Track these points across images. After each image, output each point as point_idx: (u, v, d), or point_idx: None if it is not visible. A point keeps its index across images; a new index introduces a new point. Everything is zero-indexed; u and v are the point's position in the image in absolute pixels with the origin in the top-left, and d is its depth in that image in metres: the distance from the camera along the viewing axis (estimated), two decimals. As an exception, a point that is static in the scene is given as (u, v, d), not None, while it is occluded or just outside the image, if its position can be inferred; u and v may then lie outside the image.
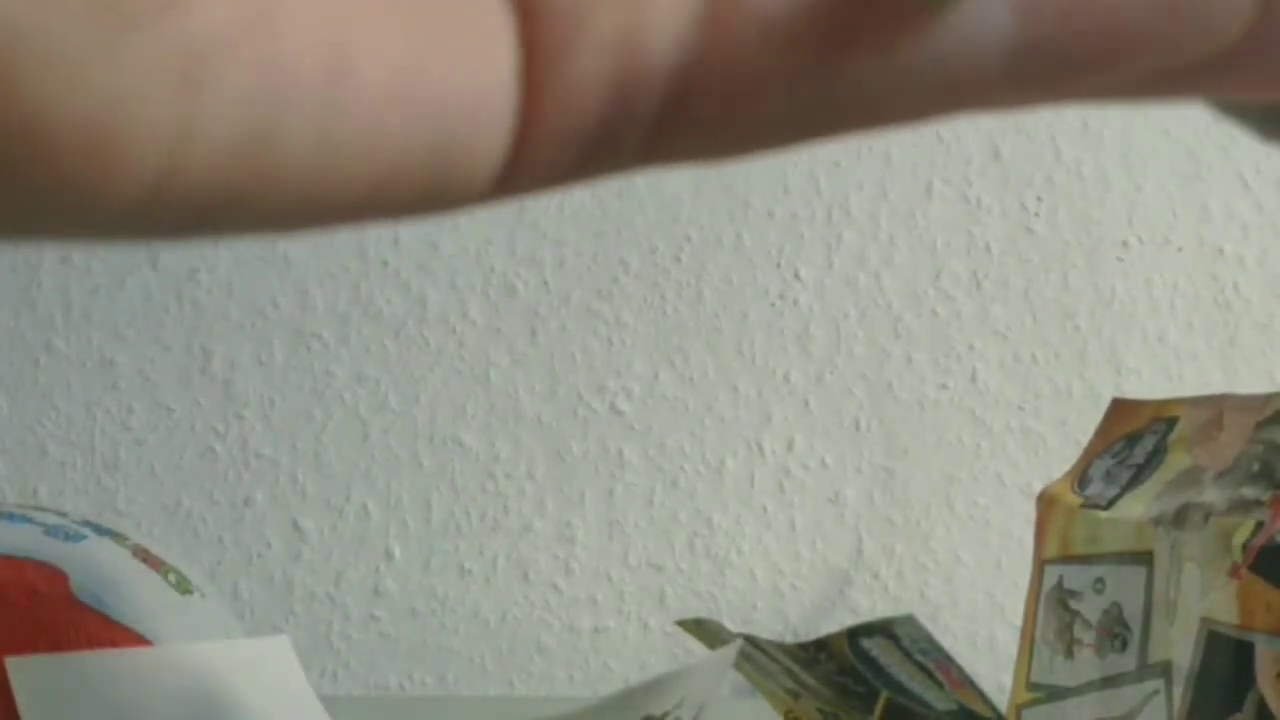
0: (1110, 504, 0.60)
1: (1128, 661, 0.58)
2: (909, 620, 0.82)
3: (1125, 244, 1.12)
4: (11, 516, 0.68)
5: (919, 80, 0.21)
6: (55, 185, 0.19)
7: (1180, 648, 0.55)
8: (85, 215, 0.19)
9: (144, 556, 0.69)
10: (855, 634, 0.80)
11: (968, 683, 0.80)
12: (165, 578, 0.69)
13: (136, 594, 0.66)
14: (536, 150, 0.21)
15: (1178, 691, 0.55)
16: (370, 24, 0.20)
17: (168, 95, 0.18)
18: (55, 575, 0.65)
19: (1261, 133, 0.23)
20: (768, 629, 1.08)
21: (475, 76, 0.21)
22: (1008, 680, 0.65)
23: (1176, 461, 0.59)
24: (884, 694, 0.75)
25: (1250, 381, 1.10)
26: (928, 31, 0.21)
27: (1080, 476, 0.63)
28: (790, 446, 1.10)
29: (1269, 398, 0.58)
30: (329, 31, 0.19)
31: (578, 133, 0.21)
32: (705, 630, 0.75)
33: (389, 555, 1.09)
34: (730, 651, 0.62)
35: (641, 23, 0.21)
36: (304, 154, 0.20)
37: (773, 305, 1.10)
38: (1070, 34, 0.21)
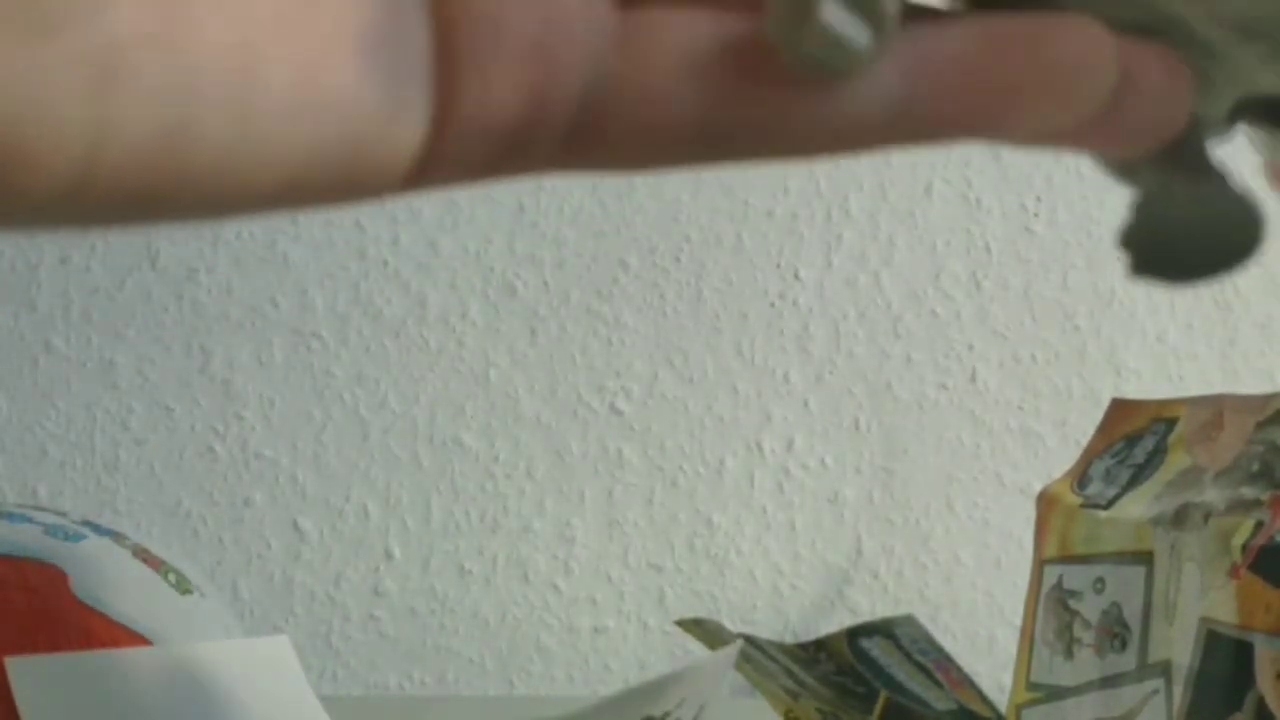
0: (1110, 504, 0.60)
1: (1127, 661, 0.58)
2: (908, 620, 0.82)
3: (1125, 244, 1.11)
4: (11, 516, 0.68)
5: (812, 123, 0.23)
6: None
7: (1180, 648, 0.55)
8: (7, 209, 0.20)
9: (144, 556, 0.69)
10: (855, 634, 0.80)
11: (967, 683, 0.80)
12: (165, 578, 0.69)
13: (136, 594, 0.66)
14: (450, 148, 0.23)
15: (1177, 691, 0.55)
16: (280, 26, 0.21)
17: (82, 97, 0.19)
18: (55, 575, 0.65)
19: (1117, 178, 0.26)
20: (767, 629, 1.08)
21: (387, 77, 0.22)
22: (1007, 680, 0.65)
23: (1176, 461, 0.59)
24: (883, 694, 0.75)
25: (1250, 381, 1.10)
26: (823, 87, 0.23)
27: (1080, 476, 0.63)
28: (790, 446, 1.10)
29: (1269, 398, 0.58)
30: (239, 32, 0.20)
31: (490, 134, 0.22)
32: (705, 630, 0.75)
33: (389, 555, 1.09)
34: (730, 652, 0.62)
35: (557, 37, 0.22)
36: (218, 149, 0.20)
37: (772, 305, 1.10)
38: (951, 102, 0.23)
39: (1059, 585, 0.61)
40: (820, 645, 0.78)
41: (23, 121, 0.19)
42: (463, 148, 0.22)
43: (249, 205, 0.22)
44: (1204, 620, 0.54)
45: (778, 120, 0.23)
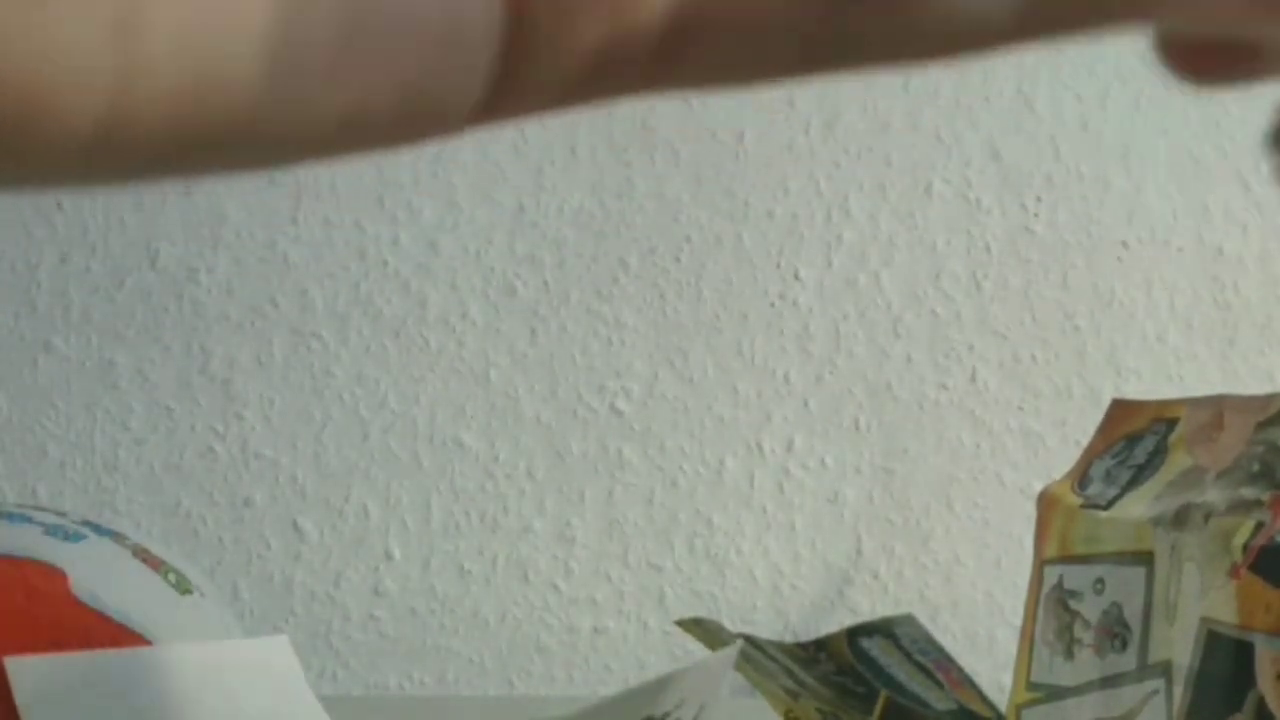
0: (1110, 504, 0.60)
1: (1128, 661, 0.57)
2: (908, 620, 0.82)
3: (1125, 244, 1.12)
4: (11, 516, 0.68)
5: (926, 25, 0.21)
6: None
7: (1180, 648, 0.55)
8: (31, 165, 0.19)
9: (144, 556, 0.69)
10: (855, 634, 0.80)
11: (967, 683, 0.80)
12: (165, 578, 0.69)
13: (136, 594, 0.66)
14: (528, 74, 0.21)
15: (1178, 691, 0.55)
16: None
17: (102, 45, 0.19)
18: (55, 575, 0.65)
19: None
20: (767, 629, 1.08)
21: (447, 2, 0.20)
22: (1008, 680, 0.65)
23: (1177, 462, 0.59)
24: (883, 694, 0.75)
25: (1250, 382, 1.10)
26: None
27: (1080, 476, 0.63)
28: (790, 446, 1.10)
29: (1269, 398, 0.58)
30: None
31: (572, 57, 0.21)
32: (705, 630, 0.75)
33: (389, 555, 1.09)
34: (730, 652, 0.62)
35: None
36: (256, 93, 0.19)
37: (772, 305, 1.10)
38: None
39: (1059, 585, 0.61)
40: (820, 645, 0.78)
41: (39, 73, 0.18)
42: (542, 72, 0.21)
43: (302, 151, 0.20)
44: (1204, 620, 0.54)
45: (884, 29, 0.20)
